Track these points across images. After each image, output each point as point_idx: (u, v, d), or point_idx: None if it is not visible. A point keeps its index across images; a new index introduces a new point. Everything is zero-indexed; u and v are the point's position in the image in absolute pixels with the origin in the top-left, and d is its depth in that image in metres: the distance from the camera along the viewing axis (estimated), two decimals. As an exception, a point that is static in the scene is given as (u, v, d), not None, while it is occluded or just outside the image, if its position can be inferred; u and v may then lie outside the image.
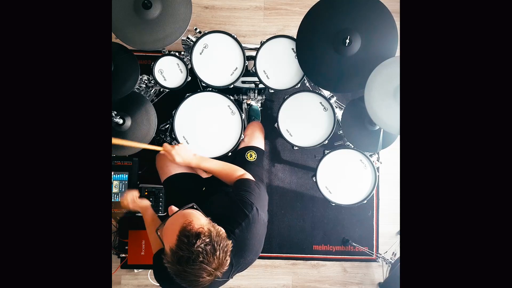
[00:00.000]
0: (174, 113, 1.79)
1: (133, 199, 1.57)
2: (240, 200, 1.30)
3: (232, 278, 1.27)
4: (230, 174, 1.50)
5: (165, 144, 1.54)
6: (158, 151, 1.59)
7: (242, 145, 1.84)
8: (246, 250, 1.25)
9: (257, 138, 1.89)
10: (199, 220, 1.09)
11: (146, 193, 2.14)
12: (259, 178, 1.69)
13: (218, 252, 1.04)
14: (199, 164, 1.53)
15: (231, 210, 1.29)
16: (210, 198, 1.46)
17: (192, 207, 1.16)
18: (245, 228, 1.25)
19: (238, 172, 1.50)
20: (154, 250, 1.43)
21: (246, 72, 1.80)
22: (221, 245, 1.05)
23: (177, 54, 1.80)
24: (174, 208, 1.19)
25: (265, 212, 1.32)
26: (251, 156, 1.78)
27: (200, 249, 1.01)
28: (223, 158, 1.72)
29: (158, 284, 1.29)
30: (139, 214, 2.14)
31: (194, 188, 1.76)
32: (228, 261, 1.09)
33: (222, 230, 1.10)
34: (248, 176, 1.45)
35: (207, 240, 1.03)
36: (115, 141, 1.39)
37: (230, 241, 1.10)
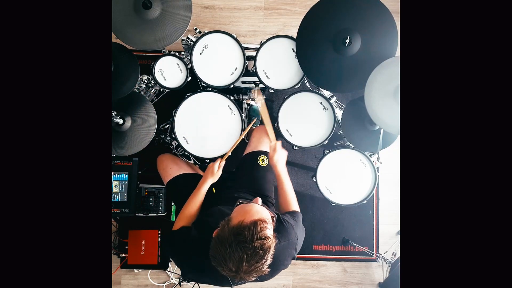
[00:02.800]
0: (174, 113, 1.80)
1: (218, 167, 1.65)
2: (290, 225, 1.33)
3: (232, 287, 1.27)
4: (289, 201, 1.56)
5: (278, 143, 1.66)
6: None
7: (249, 150, 1.81)
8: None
9: (266, 142, 1.86)
10: (272, 231, 1.12)
11: (146, 193, 2.13)
12: (272, 184, 1.70)
13: (257, 265, 1.05)
14: (281, 174, 1.61)
15: (277, 225, 1.30)
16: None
17: (273, 218, 1.18)
18: (281, 248, 1.25)
19: (295, 206, 1.56)
20: (181, 221, 1.47)
21: (246, 72, 1.80)
22: (263, 263, 1.07)
23: (177, 54, 1.80)
24: (260, 201, 1.24)
25: (296, 252, 1.34)
26: (263, 161, 1.74)
27: (256, 247, 1.03)
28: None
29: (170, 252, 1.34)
30: (139, 214, 2.14)
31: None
32: (250, 280, 1.10)
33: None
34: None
35: (263, 249, 1.05)
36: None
37: (269, 269, 1.11)
